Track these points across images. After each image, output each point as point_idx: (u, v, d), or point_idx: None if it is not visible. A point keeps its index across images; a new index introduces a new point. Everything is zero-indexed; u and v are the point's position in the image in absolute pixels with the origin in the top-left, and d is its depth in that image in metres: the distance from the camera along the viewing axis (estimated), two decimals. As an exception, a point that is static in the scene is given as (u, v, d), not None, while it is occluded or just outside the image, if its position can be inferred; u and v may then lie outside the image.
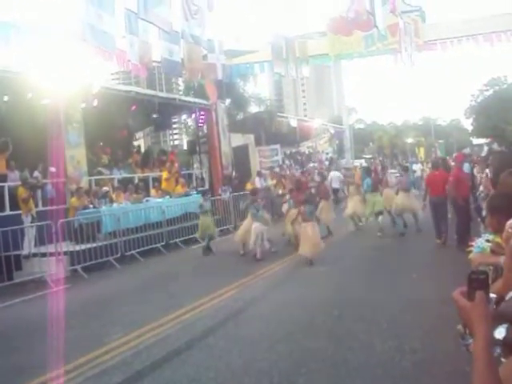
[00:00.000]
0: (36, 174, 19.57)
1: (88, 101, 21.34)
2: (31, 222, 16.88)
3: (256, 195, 18.40)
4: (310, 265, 15.15)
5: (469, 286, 2.13)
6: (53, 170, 19.47)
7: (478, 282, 2.15)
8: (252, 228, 16.92)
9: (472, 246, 5.34)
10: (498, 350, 2.63)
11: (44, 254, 15.52)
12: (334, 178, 33.86)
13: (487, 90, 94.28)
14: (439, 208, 17.06)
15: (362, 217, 21.67)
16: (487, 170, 12.40)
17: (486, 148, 42.65)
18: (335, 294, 11.63)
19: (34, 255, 15.77)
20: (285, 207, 19.54)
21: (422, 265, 14.17)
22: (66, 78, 18.69)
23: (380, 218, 19.87)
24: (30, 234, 16.23)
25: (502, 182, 5.62)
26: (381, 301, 10.60)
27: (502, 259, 4.07)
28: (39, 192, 19.27)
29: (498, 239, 4.70)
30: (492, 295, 2.27)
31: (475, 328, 2.05)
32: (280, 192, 25.38)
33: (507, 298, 2.92)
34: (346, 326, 9.12)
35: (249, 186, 26.11)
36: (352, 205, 21.49)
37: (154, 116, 28.01)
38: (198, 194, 24.48)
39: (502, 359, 2.56)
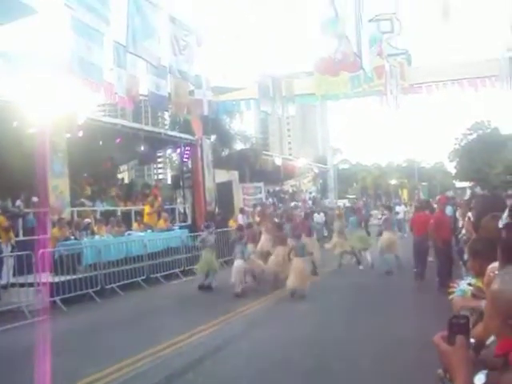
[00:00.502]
0: (18, 202, 19.47)
1: (73, 131, 21.32)
2: (11, 252, 16.74)
3: (242, 231, 18.46)
4: (292, 297, 15.66)
5: (449, 331, 2.13)
6: (35, 199, 19.38)
7: (458, 326, 2.15)
8: (234, 266, 17.01)
9: (454, 287, 5.34)
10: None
11: (23, 285, 15.35)
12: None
13: (471, 134, 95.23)
14: (422, 248, 17.32)
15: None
16: (470, 214, 12.45)
17: (468, 191, 42.96)
18: (315, 332, 11.58)
19: (13, 285, 15.59)
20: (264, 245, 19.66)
21: (403, 306, 14.16)
22: (53, 108, 18.70)
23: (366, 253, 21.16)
24: (9, 263, 16.08)
25: (484, 226, 5.64)
26: (360, 341, 10.57)
27: (483, 303, 4.07)
28: (20, 221, 19.16)
29: (480, 283, 4.71)
30: (471, 340, 2.27)
31: (455, 372, 2.05)
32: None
33: (488, 343, 2.91)
34: (325, 366, 9.07)
35: (232, 223, 26.10)
36: (339, 243, 21.84)
37: (139, 149, 28.00)
38: (180, 228, 24.43)
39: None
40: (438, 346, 2.13)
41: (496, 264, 4.02)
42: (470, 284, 5.08)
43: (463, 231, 14.20)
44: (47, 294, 15.65)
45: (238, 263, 16.99)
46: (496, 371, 2.26)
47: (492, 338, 2.60)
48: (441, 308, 8.40)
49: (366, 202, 49.87)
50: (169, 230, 23.63)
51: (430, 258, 21.15)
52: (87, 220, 21.20)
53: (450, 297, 5.24)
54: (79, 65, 17.49)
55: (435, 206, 20.61)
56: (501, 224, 4.78)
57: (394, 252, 20.33)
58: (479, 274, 4.84)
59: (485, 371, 2.59)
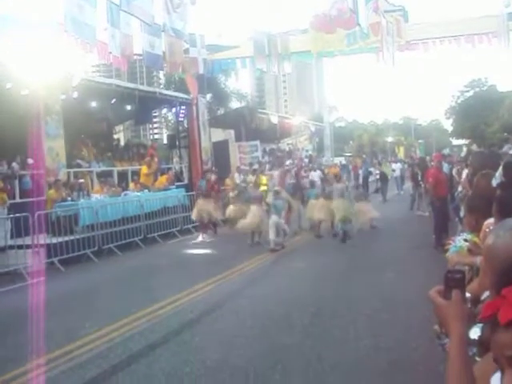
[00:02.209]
0: (14, 164, 19.43)
1: (68, 92, 21.15)
2: (7, 214, 16.71)
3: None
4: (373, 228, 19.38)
5: (445, 285, 2.13)
6: (31, 161, 19.33)
7: (454, 280, 2.14)
8: (270, 221, 17.13)
9: (450, 244, 5.36)
10: (474, 350, 2.63)
11: (20, 247, 15.37)
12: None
13: (468, 91, 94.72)
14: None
15: None
16: (466, 170, 12.46)
17: (465, 149, 43.00)
18: (312, 290, 11.64)
19: (11, 247, 15.61)
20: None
21: (399, 264, 14.18)
22: (47, 69, 18.53)
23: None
24: (7, 225, 16.06)
25: (476, 184, 5.67)
26: (357, 299, 10.64)
27: (478, 259, 4.08)
28: (16, 183, 19.14)
29: (476, 239, 4.72)
30: (467, 294, 2.26)
31: (451, 326, 2.05)
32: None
33: (482, 298, 2.92)
34: (322, 323, 9.14)
35: (228, 182, 26.08)
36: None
37: (134, 109, 27.85)
38: (177, 188, 24.41)
39: (477, 358, 2.56)
40: (434, 300, 2.12)
41: (492, 220, 4.03)
42: (466, 240, 5.09)
43: (459, 188, 14.24)
44: (45, 255, 15.71)
45: (273, 219, 17.12)
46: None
47: (486, 293, 2.61)
48: (436, 265, 8.46)
49: (364, 159, 49.64)
50: (165, 189, 23.59)
51: (419, 212, 21.52)
52: (81, 180, 21.19)
53: (447, 254, 5.26)
54: (72, 25, 17.36)
55: (432, 163, 20.73)
56: (495, 183, 4.78)
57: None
58: (475, 229, 4.86)
59: (480, 324, 2.60)
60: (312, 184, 23.54)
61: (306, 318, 9.45)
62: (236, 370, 7.22)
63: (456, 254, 5.07)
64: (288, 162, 39.02)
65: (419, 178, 23.99)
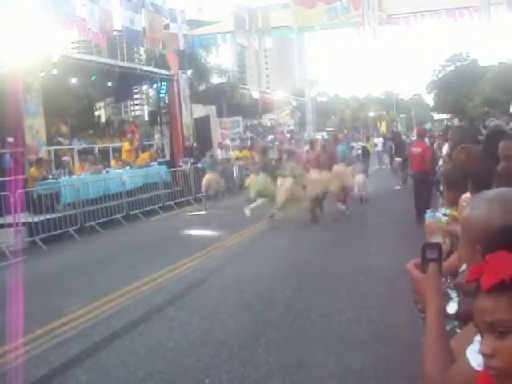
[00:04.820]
0: (-7, 143, 19.31)
1: (47, 69, 20.94)
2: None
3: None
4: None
5: (422, 258, 2.14)
6: (10, 139, 19.19)
7: (431, 254, 2.15)
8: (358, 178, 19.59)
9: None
10: (455, 323, 2.66)
11: (2, 225, 15.33)
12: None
13: (449, 66, 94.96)
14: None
15: None
16: (446, 144, 12.50)
17: (446, 123, 43.36)
18: (295, 265, 11.69)
19: (-8, 226, 15.56)
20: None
21: (380, 238, 14.28)
22: (25, 46, 18.34)
23: None
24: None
25: (455, 158, 5.72)
26: (339, 272, 10.69)
27: (458, 228, 4.12)
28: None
29: (454, 213, 4.76)
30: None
31: (427, 299, 2.07)
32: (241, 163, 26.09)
33: (461, 270, 2.94)
34: (304, 297, 9.20)
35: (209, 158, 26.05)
36: None
37: (115, 86, 27.67)
38: (159, 164, 24.37)
39: (458, 330, 2.59)
40: (411, 273, 2.13)
41: (469, 194, 4.06)
42: (445, 214, 5.14)
43: (440, 162, 14.30)
44: (27, 233, 15.67)
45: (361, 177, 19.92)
46: (468, 297, 2.29)
47: (464, 266, 2.63)
48: (417, 239, 8.53)
49: (346, 134, 49.64)
50: (147, 166, 23.54)
51: (398, 187, 21.67)
52: (65, 158, 21.06)
53: (425, 223, 5.31)
54: (51, 1, 17.17)
55: (413, 138, 20.85)
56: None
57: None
58: (453, 203, 4.90)
59: (457, 299, 2.63)
60: None
61: (288, 292, 9.49)
62: (219, 344, 7.26)
63: (435, 222, 5.14)
64: (270, 138, 39.00)
65: (393, 152, 24.29)
